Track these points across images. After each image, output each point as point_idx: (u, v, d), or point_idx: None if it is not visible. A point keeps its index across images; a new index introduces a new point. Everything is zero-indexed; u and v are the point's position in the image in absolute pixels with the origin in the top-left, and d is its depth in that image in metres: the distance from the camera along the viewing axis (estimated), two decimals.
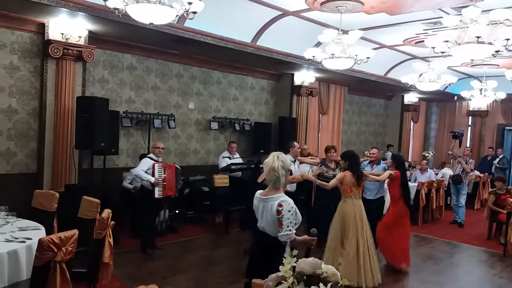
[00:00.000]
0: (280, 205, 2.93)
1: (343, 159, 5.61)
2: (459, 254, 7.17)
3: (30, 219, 4.27)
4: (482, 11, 4.81)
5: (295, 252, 2.07)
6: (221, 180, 7.64)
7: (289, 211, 2.92)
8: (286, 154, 5.79)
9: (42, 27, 6.13)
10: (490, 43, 4.91)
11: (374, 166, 6.84)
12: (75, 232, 3.29)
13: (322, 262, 1.93)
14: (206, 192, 8.00)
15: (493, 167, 11.71)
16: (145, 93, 7.90)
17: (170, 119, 8.07)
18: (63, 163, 6.13)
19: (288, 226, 2.90)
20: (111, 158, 7.21)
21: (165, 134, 8.21)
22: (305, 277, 1.90)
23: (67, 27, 6.08)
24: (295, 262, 1.93)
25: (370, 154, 7.03)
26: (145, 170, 5.90)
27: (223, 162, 8.06)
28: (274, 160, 3.04)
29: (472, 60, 5.59)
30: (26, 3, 5.26)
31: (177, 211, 7.40)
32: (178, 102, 8.41)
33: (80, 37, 6.24)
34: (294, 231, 2.96)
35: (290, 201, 2.99)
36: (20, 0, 5.14)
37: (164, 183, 5.95)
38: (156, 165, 5.92)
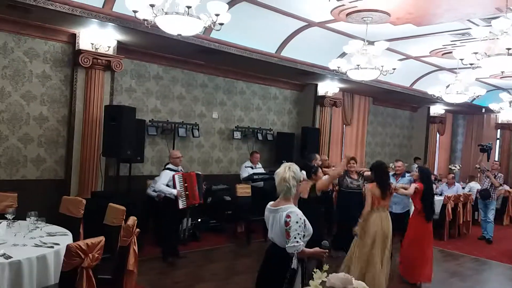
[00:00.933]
0: (288, 216, 2.91)
1: (371, 170, 5.59)
2: (487, 271, 6.94)
3: (58, 224, 4.37)
4: None
5: (326, 267, 2.05)
6: (243, 190, 7.65)
7: (296, 222, 2.90)
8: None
9: (73, 37, 6.32)
10: None
11: (399, 178, 6.74)
12: (101, 239, 3.34)
13: (353, 278, 1.90)
14: (228, 202, 8.01)
15: None
16: (170, 102, 8.02)
17: (194, 128, 8.16)
18: (90, 170, 6.26)
19: (295, 238, 2.87)
20: (136, 166, 7.33)
21: (189, 143, 8.30)
22: None
23: (97, 37, 6.26)
24: (326, 277, 1.91)
25: (395, 166, 6.94)
26: (166, 183, 5.94)
27: (245, 172, 8.07)
28: (285, 170, 3.04)
29: (502, 72, 5.45)
30: (60, 15, 5.44)
31: (199, 220, 7.43)
32: (202, 111, 8.50)
33: (109, 47, 6.41)
34: (302, 243, 2.93)
35: (299, 212, 2.98)
36: (54, 12, 5.31)
37: (187, 193, 5.99)
38: (176, 176, 5.95)
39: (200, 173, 6.44)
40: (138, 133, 6.73)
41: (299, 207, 3.10)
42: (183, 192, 5.95)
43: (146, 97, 7.69)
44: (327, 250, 3.07)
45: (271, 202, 3.17)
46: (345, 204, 6.60)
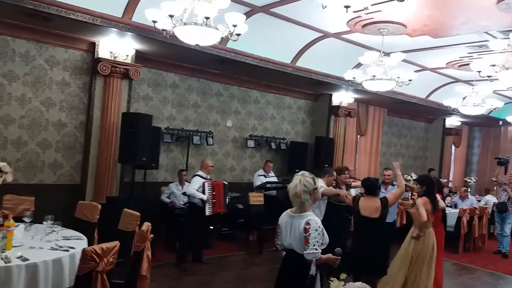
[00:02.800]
0: (307, 223, 2.98)
1: (419, 183, 5.21)
2: (502, 286, 6.81)
3: (73, 228, 4.42)
4: None
5: (343, 276, 2.07)
6: (256, 198, 7.66)
7: (316, 230, 2.97)
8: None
9: (92, 46, 6.47)
10: None
11: (388, 187, 6.54)
12: (116, 243, 3.40)
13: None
14: (240, 210, 8.03)
15: None
16: (185, 110, 8.12)
17: (208, 136, 8.23)
18: (105, 175, 6.36)
19: (314, 245, 2.94)
20: (151, 172, 7.41)
21: (203, 150, 8.37)
22: None
23: (116, 46, 6.40)
24: (343, 286, 1.92)
25: (385, 175, 6.73)
26: (197, 189, 6.09)
27: (258, 181, 8.10)
28: (296, 185, 3.07)
29: None
30: (80, 24, 5.58)
31: (211, 227, 7.45)
32: (216, 120, 8.58)
33: (127, 55, 6.54)
34: (320, 250, 3.00)
35: (318, 220, 3.05)
36: (74, 21, 5.45)
37: (214, 201, 6.13)
38: (206, 184, 6.11)
39: (226, 183, 6.55)
40: (153, 140, 6.82)
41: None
42: (211, 200, 6.09)
43: (162, 105, 7.80)
44: (340, 257, 3.12)
45: (291, 209, 3.22)
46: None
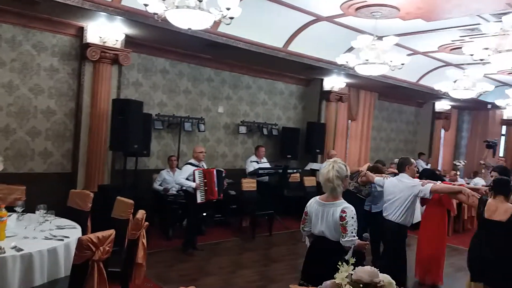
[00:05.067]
0: (343, 211, 3.02)
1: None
2: None
3: (65, 217, 4.36)
4: None
5: (352, 260, 2.07)
6: (249, 185, 7.65)
7: (352, 217, 3.01)
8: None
9: (81, 30, 6.31)
10: None
11: None
12: (112, 232, 3.35)
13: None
14: (233, 196, 8.03)
15: None
16: (176, 96, 8.01)
17: (200, 123, 8.16)
18: (97, 163, 6.28)
19: (352, 232, 3.00)
20: (142, 160, 7.34)
21: (194, 137, 8.30)
22: (361, 285, 1.91)
23: (105, 31, 6.24)
24: (352, 270, 1.93)
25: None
26: (186, 177, 6.05)
27: (251, 167, 8.08)
28: (329, 170, 3.08)
29: None
30: (68, 8, 5.41)
31: (204, 214, 7.45)
32: (208, 106, 8.50)
33: (117, 40, 6.39)
34: (357, 237, 3.06)
35: (353, 208, 3.08)
36: (62, 5, 5.29)
37: (206, 188, 6.09)
38: (196, 172, 6.06)
39: (221, 169, 6.51)
40: (144, 127, 6.74)
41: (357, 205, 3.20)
42: (202, 187, 6.05)
43: (152, 91, 7.69)
44: (368, 242, 3.19)
45: (320, 196, 3.24)
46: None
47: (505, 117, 13.57)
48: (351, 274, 1.93)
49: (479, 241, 4.15)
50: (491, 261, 3.97)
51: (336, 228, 3.04)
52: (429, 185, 4.75)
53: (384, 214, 4.96)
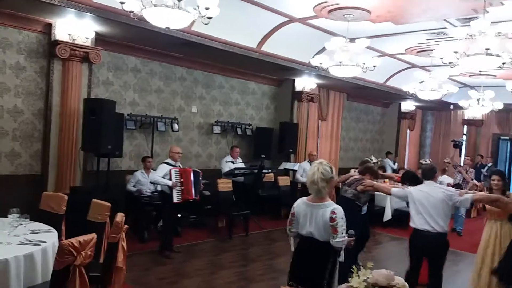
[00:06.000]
0: (333, 212, 3.05)
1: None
2: (462, 262, 7.22)
3: (38, 221, 4.21)
4: (491, 23, 4.89)
5: (370, 264, 2.10)
6: (224, 185, 7.63)
7: (342, 218, 3.06)
8: None
9: (48, 27, 6.09)
10: (498, 55, 5.00)
11: None
12: (93, 236, 3.27)
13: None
14: (207, 196, 7.97)
15: (482, 176, 11.80)
16: (148, 95, 7.88)
17: (173, 122, 8.05)
18: (68, 165, 6.07)
19: (342, 233, 3.04)
20: (114, 161, 7.16)
21: (168, 137, 8.19)
22: None
23: (75, 28, 6.04)
24: (370, 273, 1.95)
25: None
26: (162, 176, 5.94)
27: (226, 167, 8.06)
28: (314, 172, 3.13)
29: (480, 71, 5.67)
30: (35, 3, 5.22)
31: (179, 215, 7.36)
32: (181, 105, 8.40)
33: (87, 38, 6.21)
34: (347, 237, 3.10)
35: (341, 208, 3.12)
36: (30, 0, 5.09)
37: (182, 188, 5.99)
38: (173, 171, 5.97)
39: (198, 170, 6.42)
40: (116, 127, 6.58)
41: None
42: (179, 187, 5.95)
43: (123, 90, 7.52)
44: (354, 238, 3.20)
45: (307, 197, 3.26)
46: None
47: (466, 117, 14.19)
48: (367, 278, 1.96)
49: None
50: None
51: (325, 228, 3.08)
52: (469, 195, 4.47)
53: (420, 227, 4.36)
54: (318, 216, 3.12)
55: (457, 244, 8.07)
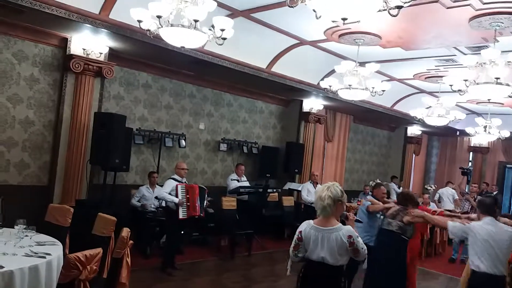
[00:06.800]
0: (349, 236, 3.05)
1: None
2: None
3: (42, 232, 4.21)
4: (502, 52, 4.93)
5: None
6: (229, 203, 7.61)
7: (357, 237, 3.10)
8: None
9: (64, 41, 6.21)
10: (508, 85, 5.02)
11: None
12: (99, 250, 3.27)
13: None
14: (211, 214, 7.94)
15: None
16: (158, 111, 7.95)
17: (181, 139, 8.10)
18: (75, 177, 6.10)
19: (363, 248, 3.09)
20: (120, 175, 7.19)
21: (174, 153, 8.22)
22: None
23: (89, 43, 6.16)
24: None
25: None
26: (169, 192, 5.94)
27: (233, 184, 8.05)
28: (324, 189, 3.13)
29: (489, 99, 5.69)
30: (54, 18, 5.32)
31: (182, 232, 7.32)
32: (189, 122, 8.46)
33: (101, 53, 6.33)
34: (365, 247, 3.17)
35: (350, 227, 3.16)
36: (47, 15, 5.20)
37: (188, 204, 6.00)
38: (179, 187, 5.99)
39: (204, 187, 6.45)
40: (125, 142, 6.63)
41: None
42: (184, 203, 5.95)
43: (134, 105, 7.60)
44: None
45: (314, 221, 3.17)
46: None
47: (472, 144, 14.14)
48: None
49: None
50: None
51: (341, 252, 3.06)
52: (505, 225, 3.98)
53: (488, 271, 3.82)
54: (331, 241, 3.05)
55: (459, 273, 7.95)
